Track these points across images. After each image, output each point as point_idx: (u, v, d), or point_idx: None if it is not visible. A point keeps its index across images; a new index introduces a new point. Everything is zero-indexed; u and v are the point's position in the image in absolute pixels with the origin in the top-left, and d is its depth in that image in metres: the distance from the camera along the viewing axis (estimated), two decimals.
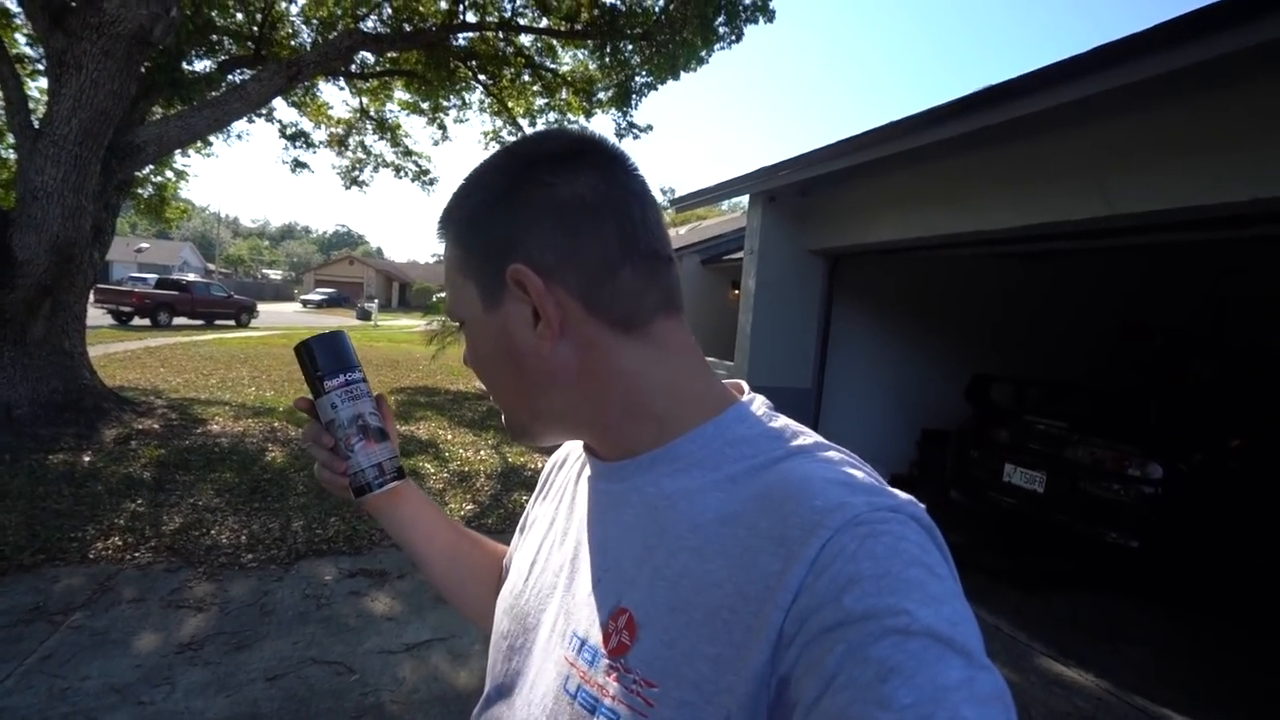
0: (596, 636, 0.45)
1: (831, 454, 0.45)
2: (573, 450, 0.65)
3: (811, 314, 5.37)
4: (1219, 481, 3.68)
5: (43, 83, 7.01)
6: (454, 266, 0.52)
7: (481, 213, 0.50)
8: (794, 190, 5.02)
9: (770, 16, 7.91)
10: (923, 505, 0.41)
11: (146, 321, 16.83)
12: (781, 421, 0.49)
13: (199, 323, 18.73)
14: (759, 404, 0.51)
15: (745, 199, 5.55)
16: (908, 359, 6.04)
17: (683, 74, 8.41)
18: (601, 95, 9.52)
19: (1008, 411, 4.63)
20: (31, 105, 5.40)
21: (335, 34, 8.17)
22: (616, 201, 0.47)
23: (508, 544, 0.75)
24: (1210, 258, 5.93)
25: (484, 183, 0.51)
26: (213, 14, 7.89)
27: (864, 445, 5.98)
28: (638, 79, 8.95)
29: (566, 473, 0.63)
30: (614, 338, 0.47)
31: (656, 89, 9.14)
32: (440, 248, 0.55)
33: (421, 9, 8.56)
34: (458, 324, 0.55)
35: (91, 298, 6.78)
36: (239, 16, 8.49)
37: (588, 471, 0.56)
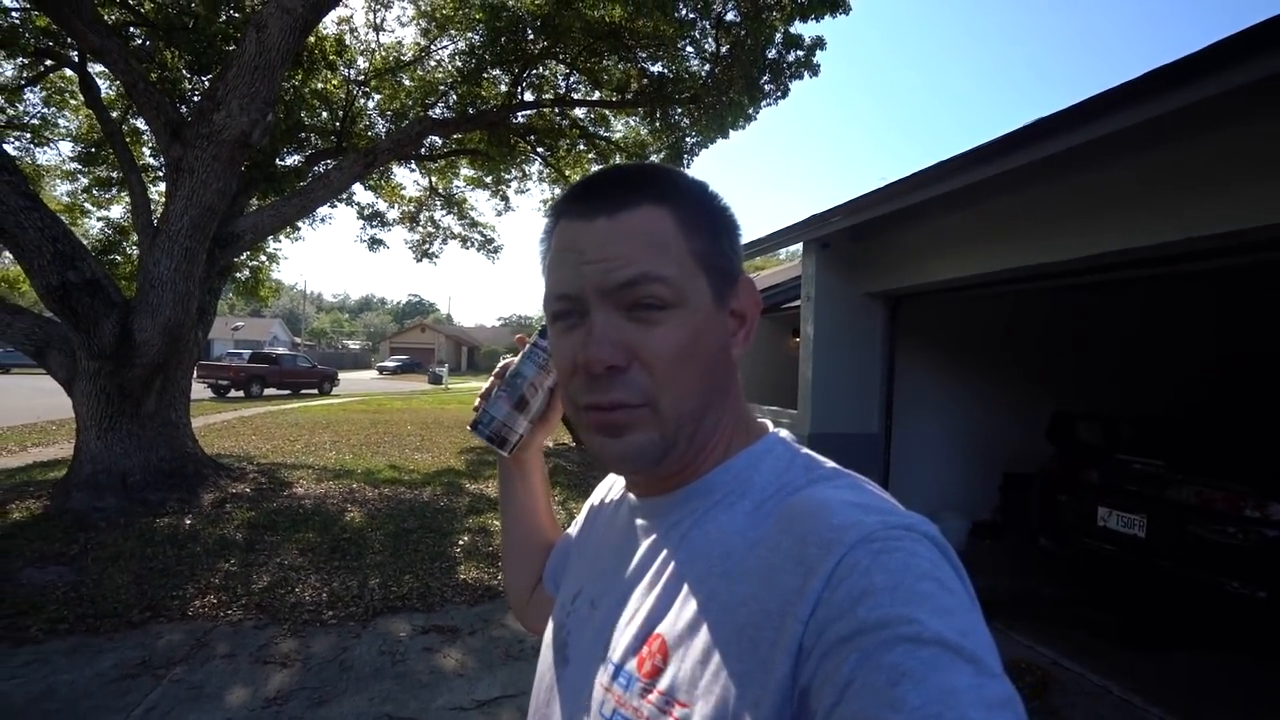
0: (632, 663, 0.47)
1: (850, 480, 0.48)
2: (615, 484, 0.68)
3: (874, 357, 5.25)
4: None
5: (161, 187, 7.97)
6: (683, 248, 0.48)
7: (712, 209, 0.52)
8: (846, 235, 5.01)
9: (815, 70, 8.09)
10: (936, 526, 0.42)
11: (241, 393, 18.17)
12: (805, 453, 0.52)
13: (286, 392, 20.05)
14: (785, 436, 0.55)
15: (799, 247, 5.58)
16: (982, 400, 5.76)
17: (731, 131, 8.68)
18: (654, 158, 9.92)
19: (1096, 450, 4.32)
20: (152, 207, 6.14)
21: (406, 122, 8.95)
22: None
23: None
24: None
25: (693, 184, 0.52)
26: (301, 114, 8.83)
27: (941, 491, 5.71)
28: (688, 140, 9.29)
29: (607, 506, 0.67)
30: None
31: (707, 147, 9.46)
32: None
33: (483, 93, 9.28)
34: (657, 305, 0.47)
35: (195, 373, 7.43)
36: (324, 114, 9.45)
37: (625, 507, 0.60)
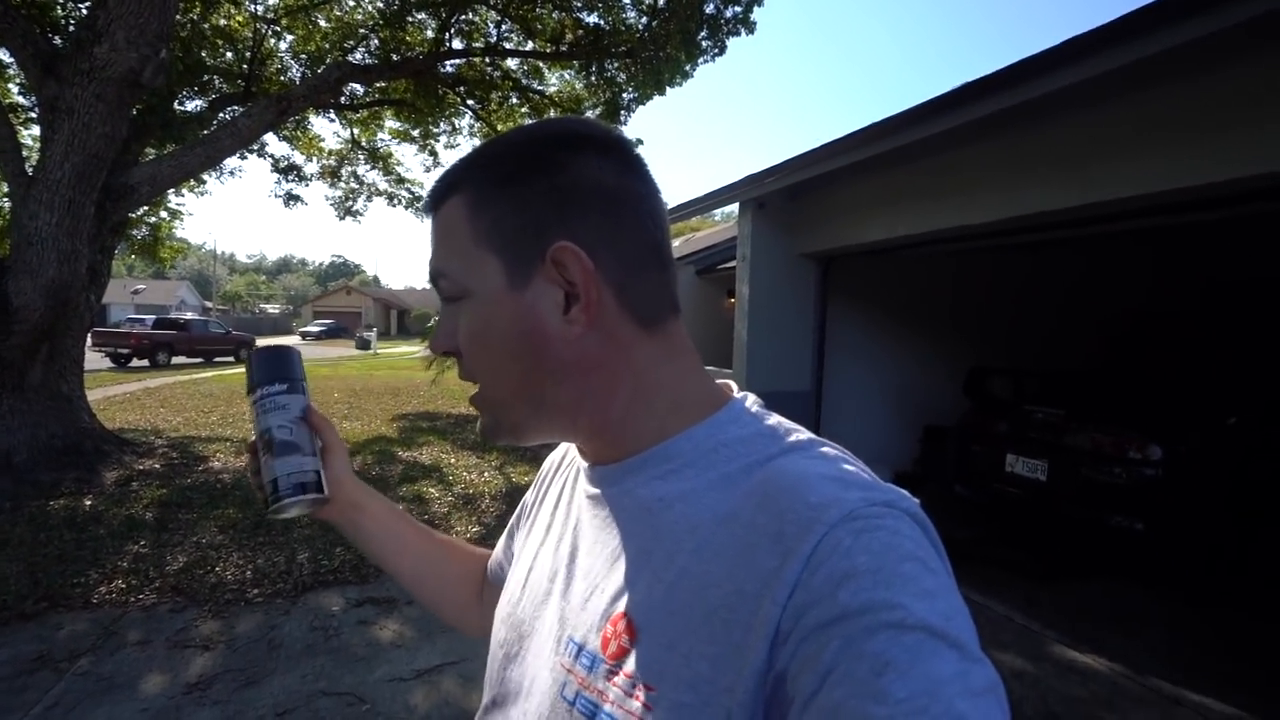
0: (595, 642, 0.44)
1: (826, 450, 0.45)
2: (569, 453, 0.64)
3: (807, 317, 5.39)
4: (1219, 461, 3.67)
5: (35, 130, 7.10)
6: (468, 234, 0.48)
7: (520, 181, 0.47)
8: (782, 195, 5.06)
9: (752, 28, 8.02)
10: (917, 500, 0.40)
11: (145, 362, 16.86)
12: (774, 419, 0.49)
13: (198, 361, 18.75)
14: (751, 402, 0.51)
15: (736, 207, 5.59)
16: (906, 357, 6.05)
17: (668, 88, 8.51)
18: (589, 114, 9.63)
19: (1007, 403, 4.63)
20: (25, 153, 5.45)
21: (324, 67, 8.28)
22: (649, 199, 0.49)
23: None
24: (1199, 241, 5.96)
25: (524, 152, 0.47)
26: (202, 54, 8.01)
27: (866, 444, 5.99)
28: (625, 96, 9.05)
29: (562, 476, 0.62)
30: (634, 331, 0.48)
31: (644, 104, 9.26)
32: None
33: (408, 39, 8.68)
34: (453, 297, 0.49)
35: (89, 341, 6.79)
36: (228, 55, 8.61)
37: (579, 475, 0.56)
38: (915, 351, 6.06)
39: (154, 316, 21.50)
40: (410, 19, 8.47)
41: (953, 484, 4.74)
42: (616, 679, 0.41)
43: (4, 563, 3.53)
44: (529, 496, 0.69)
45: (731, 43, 8.31)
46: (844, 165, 4.04)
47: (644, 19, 8.14)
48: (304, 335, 42.28)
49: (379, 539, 0.70)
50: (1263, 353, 5.28)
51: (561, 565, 0.53)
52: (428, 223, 0.52)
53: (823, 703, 0.32)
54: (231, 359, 19.90)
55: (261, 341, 25.45)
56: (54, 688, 2.51)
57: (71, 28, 6.24)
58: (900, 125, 3.48)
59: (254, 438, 0.63)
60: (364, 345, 29.78)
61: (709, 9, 7.73)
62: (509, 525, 0.71)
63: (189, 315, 24.71)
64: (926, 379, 6.05)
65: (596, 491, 0.52)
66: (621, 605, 0.44)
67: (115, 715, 2.35)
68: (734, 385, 0.54)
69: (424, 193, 9.90)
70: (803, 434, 0.47)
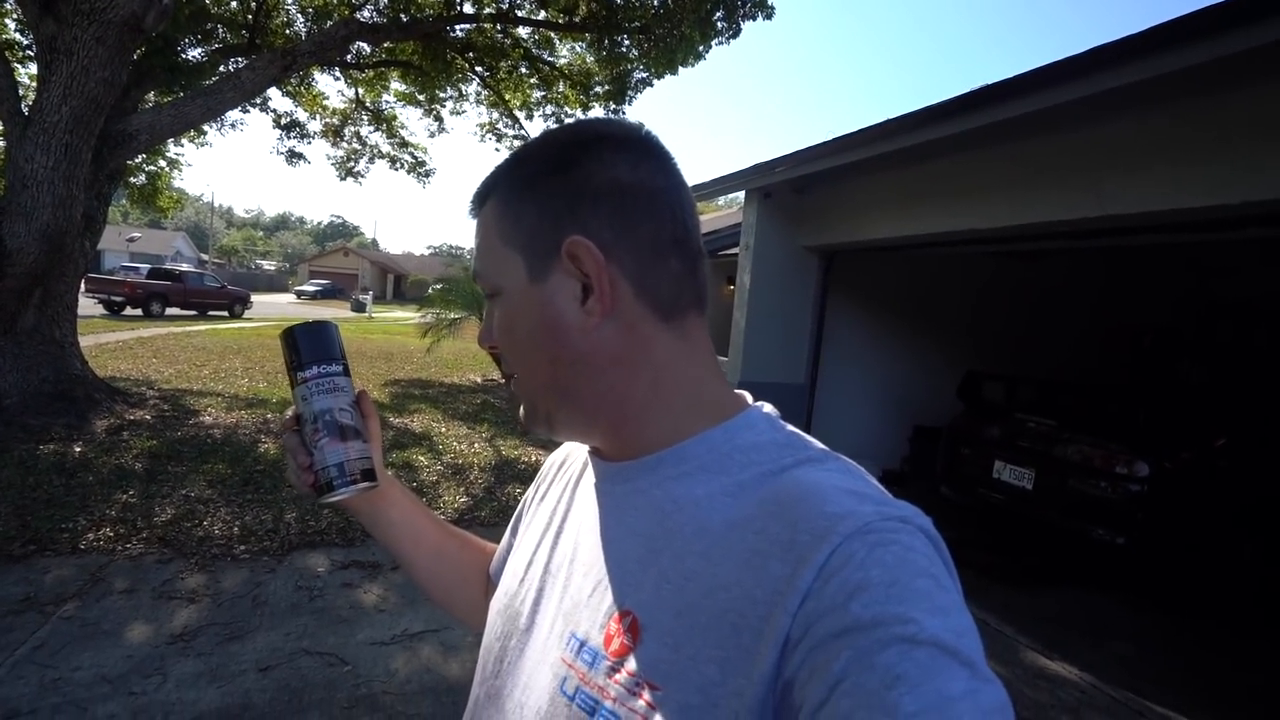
0: (598, 638, 0.44)
1: (840, 464, 0.45)
2: (573, 450, 0.64)
3: (805, 310, 5.39)
4: (1204, 480, 3.72)
5: (33, 69, 6.94)
6: (496, 234, 0.51)
7: (539, 181, 0.49)
8: (789, 187, 5.02)
9: (769, 13, 7.88)
10: (930, 518, 0.41)
11: (139, 312, 16.70)
12: (790, 430, 0.49)
13: (192, 313, 18.60)
14: (768, 411, 0.51)
15: (741, 195, 5.56)
16: (901, 356, 6.07)
17: (680, 69, 8.39)
18: (598, 89, 9.49)
19: (999, 409, 4.67)
20: (21, 93, 5.34)
21: (331, 23, 8.10)
22: (670, 192, 0.49)
23: (499, 540, 0.74)
24: (1202, 259, 5.98)
25: (543, 155, 0.50)
26: (207, 1, 7.81)
27: (856, 441, 6.04)
28: (635, 74, 8.91)
29: (566, 473, 0.62)
30: (654, 324, 0.48)
31: (652, 84, 9.12)
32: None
33: (419, 0, 8.50)
34: (489, 295, 0.53)
35: (83, 287, 6.72)
36: (233, 4, 8.41)
37: (589, 473, 0.56)
38: (911, 351, 6.09)
39: (149, 266, 21.28)
40: None
41: (939, 485, 4.80)
42: (618, 676, 0.42)
43: None
44: (530, 493, 0.69)
45: (748, 27, 8.18)
46: (854, 161, 4.01)
47: None
48: (299, 294, 41.95)
49: (398, 528, 0.69)
50: (1257, 375, 5.34)
51: (564, 560, 0.53)
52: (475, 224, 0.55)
53: (831, 712, 0.32)
54: (226, 313, 19.76)
55: (256, 298, 25.27)
56: (40, 630, 2.54)
57: None
58: (913, 125, 3.45)
59: (301, 417, 0.60)
60: (359, 308, 29.59)
61: None
62: (510, 523, 0.70)
63: (185, 267, 24.45)
64: (920, 379, 6.09)
65: (607, 489, 0.52)
66: (626, 603, 0.44)
67: (100, 660, 2.38)
68: (748, 395, 0.54)
69: (427, 158, 9.82)
70: (818, 447, 0.47)
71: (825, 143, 4.18)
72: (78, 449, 4.55)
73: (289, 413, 0.62)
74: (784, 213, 5.20)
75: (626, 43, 8.54)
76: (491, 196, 0.52)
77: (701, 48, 8.05)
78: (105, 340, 10.87)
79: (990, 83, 2.98)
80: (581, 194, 0.47)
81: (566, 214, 0.47)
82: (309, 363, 0.59)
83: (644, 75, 8.89)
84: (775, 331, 5.29)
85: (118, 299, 16.48)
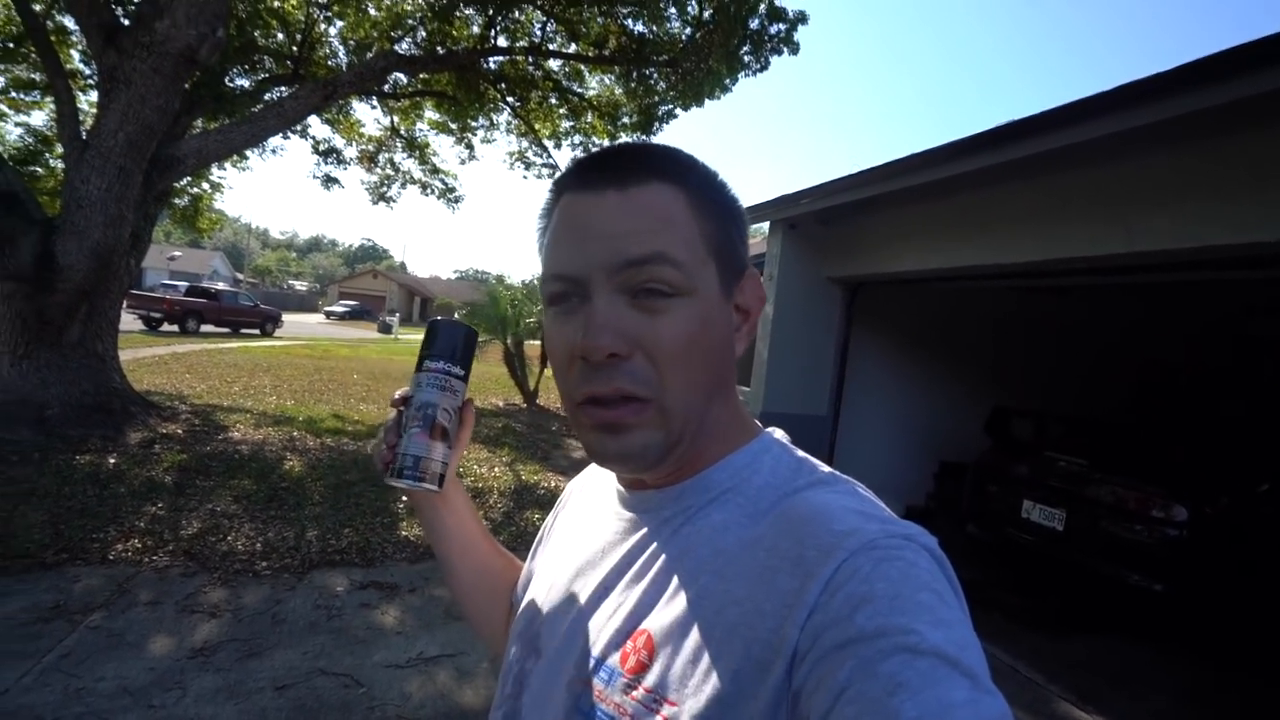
0: (614, 658, 0.45)
1: (848, 486, 0.47)
2: (593, 476, 0.66)
3: (829, 342, 5.36)
4: (1246, 526, 3.57)
5: (93, 96, 7.32)
6: (695, 232, 0.46)
7: (728, 199, 0.50)
8: (814, 218, 5.04)
9: (795, 49, 8.02)
10: (935, 537, 0.42)
11: (175, 328, 17.23)
12: (800, 455, 0.51)
13: (226, 330, 19.13)
14: (779, 437, 0.53)
15: (765, 225, 5.59)
16: (926, 390, 5.98)
17: (707, 100, 8.54)
18: (626, 119, 9.69)
19: (1028, 446, 4.56)
20: (80, 118, 5.62)
21: (371, 55, 8.44)
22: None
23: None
24: (1238, 296, 5.83)
25: (709, 173, 0.50)
26: (255, 34, 8.20)
27: (879, 475, 5.94)
28: (662, 106, 9.09)
29: (586, 498, 0.64)
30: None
31: (676, 115, 9.29)
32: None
33: (454, 33, 8.81)
34: (661, 293, 0.45)
35: (124, 303, 6.97)
36: (280, 37, 8.81)
37: (609, 499, 0.57)
38: (936, 384, 5.99)
39: (187, 284, 21.96)
40: (458, 13, 8.60)
41: (965, 523, 4.68)
42: (635, 693, 0.42)
43: (30, 511, 3.64)
44: (550, 519, 0.70)
45: (775, 61, 8.31)
46: (880, 193, 4.02)
47: (688, 30, 8.18)
48: (328, 314, 42.87)
49: (452, 536, 0.69)
50: None
51: (586, 586, 0.54)
52: (608, 197, 0.46)
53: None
54: (258, 331, 20.26)
55: (287, 317, 25.85)
56: (67, 638, 2.58)
57: (135, 2, 6.44)
58: (939, 159, 3.46)
59: (409, 400, 0.60)
60: (385, 329, 30.14)
61: (753, 25, 7.75)
62: (532, 548, 0.71)
63: (220, 285, 25.22)
64: (946, 413, 5.98)
65: (630, 515, 0.54)
66: (642, 622, 0.46)
67: (123, 672, 2.41)
68: (759, 423, 0.56)
69: (457, 184, 9.98)
70: (827, 470, 0.49)
71: (852, 175, 4.21)
72: (112, 460, 4.67)
73: (400, 392, 0.63)
74: (809, 244, 5.22)
75: (654, 76, 8.73)
76: (666, 182, 0.47)
77: (728, 80, 8.20)
78: (143, 355, 11.22)
79: (1018, 118, 2.98)
80: (745, 226, 0.51)
81: (742, 241, 0.51)
82: (438, 356, 0.61)
83: (669, 107, 9.06)
84: (798, 363, 5.26)
85: (156, 315, 17.03)
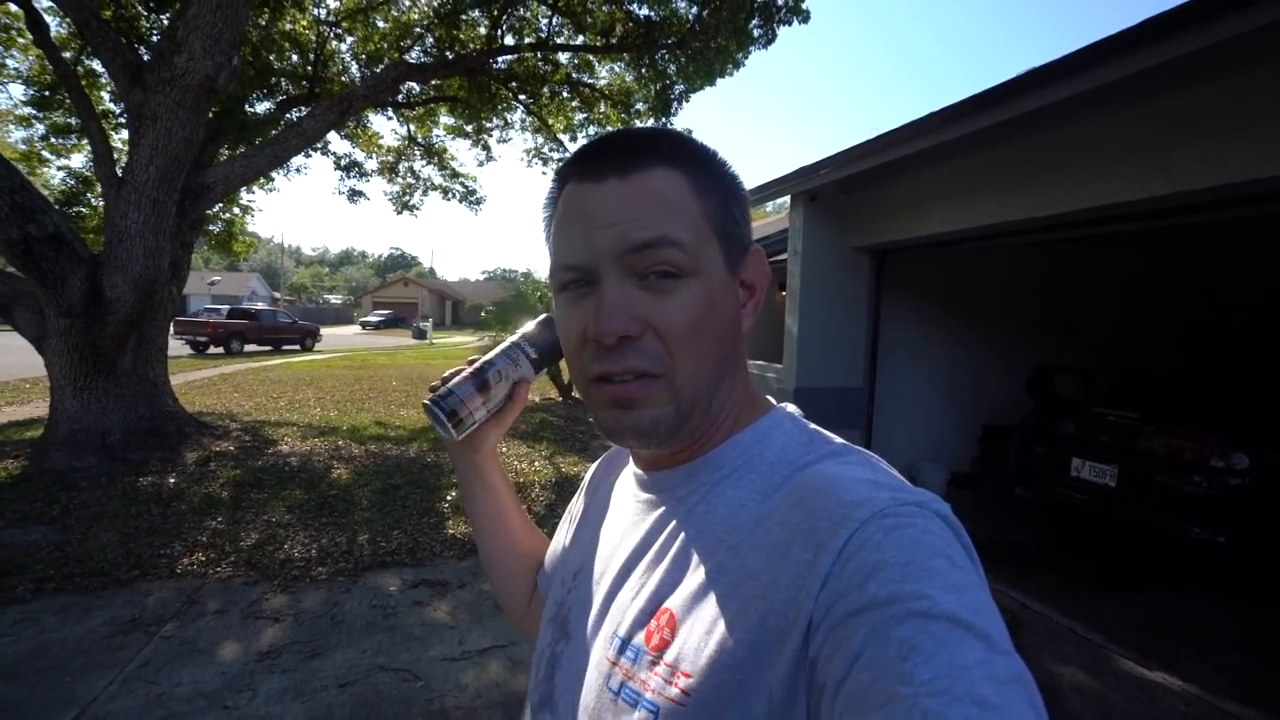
0: (639, 637, 0.47)
1: (860, 456, 0.47)
2: (615, 459, 0.67)
3: (859, 312, 5.27)
4: None
5: (125, 134, 7.61)
6: (697, 212, 0.47)
7: (728, 178, 0.50)
8: (835, 188, 4.94)
9: (805, 17, 7.83)
10: (947, 504, 0.42)
11: (220, 350, 17.91)
12: (813, 428, 0.52)
13: (268, 348, 19.80)
14: (791, 411, 0.54)
15: (787, 199, 5.50)
16: (964, 353, 5.83)
17: (719, 78, 8.42)
18: (639, 106, 9.63)
19: (1074, 403, 4.41)
20: (115, 156, 5.86)
21: (382, 67, 8.56)
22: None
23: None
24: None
25: (708, 154, 0.50)
26: (270, 58, 8.40)
27: (921, 443, 5.83)
28: (676, 87, 9.00)
29: (608, 481, 0.65)
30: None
31: (689, 98, 9.18)
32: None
33: (462, 36, 8.87)
34: (667, 274, 0.46)
35: (171, 330, 7.28)
36: (294, 58, 9.00)
37: (629, 482, 0.59)
38: (973, 348, 5.84)
39: (228, 306, 22.79)
40: (464, 16, 8.65)
41: (1013, 486, 4.57)
42: (658, 669, 0.44)
43: (102, 532, 3.86)
44: (574, 505, 0.72)
45: (785, 31, 8.13)
46: (901, 156, 3.92)
47: (694, 9, 8.06)
48: (363, 325, 43.96)
49: (481, 502, 0.74)
50: None
51: (608, 568, 0.55)
52: (608, 184, 0.47)
53: (852, 686, 0.33)
54: (298, 347, 20.90)
55: (324, 330, 26.62)
56: (145, 648, 2.74)
57: (155, 38, 6.65)
58: (957, 116, 3.35)
59: (486, 358, 0.66)
60: (420, 335, 30.75)
61: None
62: (556, 533, 0.74)
63: (259, 305, 26.09)
64: (984, 376, 5.83)
65: (648, 496, 0.55)
66: (665, 601, 0.47)
67: (198, 677, 2.55)
68: (771, 399, 0.56)
69: (477, 186, 10.08)
70: (839, 442, 0.50)
71: (869, 141, 4.11)
72: (171, 480, 4.91)
73: (488, 354, 0.68)
74: (831, 215, 5.12)
75: (664, 58, 8.64)
76: (668, 166, 0.47)
77: (739, 55, 8.07)
78: (192, 378, 11.70)
79: (1048, 60, 2.86)
80: (746, 203, 0.51)
81: (744, 218, 0.51)
82: (523, 334, 0.68)
83: (683, 88, 8.96)
84: (829, 336, 5.18)
85: (202, 339, 17.74)
